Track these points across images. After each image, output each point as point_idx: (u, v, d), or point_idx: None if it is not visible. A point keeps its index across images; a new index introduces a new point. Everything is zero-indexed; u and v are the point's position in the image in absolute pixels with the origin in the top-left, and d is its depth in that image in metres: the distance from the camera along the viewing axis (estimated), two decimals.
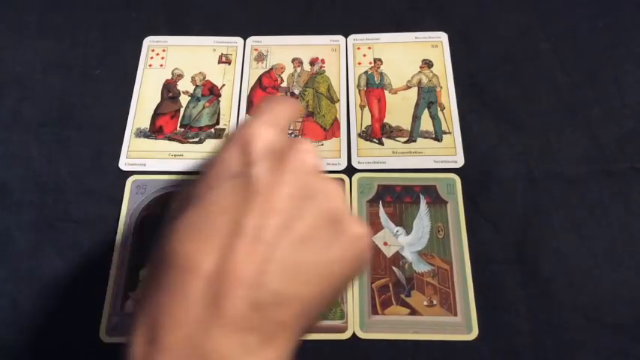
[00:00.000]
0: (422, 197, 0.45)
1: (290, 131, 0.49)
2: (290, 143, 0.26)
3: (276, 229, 0.23)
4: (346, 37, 0.54)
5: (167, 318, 0.22)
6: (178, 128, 0.49)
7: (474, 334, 0.40)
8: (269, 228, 0.23)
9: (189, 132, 0.49)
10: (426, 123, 0.49)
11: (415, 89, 0.51)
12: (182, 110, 0.50)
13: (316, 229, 0.24)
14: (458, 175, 0.46)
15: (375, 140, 0.48)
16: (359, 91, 0.51)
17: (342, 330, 0.40)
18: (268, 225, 0.23)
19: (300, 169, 0.25)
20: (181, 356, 0.21)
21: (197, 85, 0.51)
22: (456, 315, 0.40)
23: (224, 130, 0.49)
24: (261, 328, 0.22)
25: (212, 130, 0.49)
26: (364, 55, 0.53)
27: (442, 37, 0.53)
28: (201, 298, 0.21)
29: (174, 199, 0.27)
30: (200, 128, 0.49)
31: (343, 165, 0.47)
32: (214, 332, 0.21)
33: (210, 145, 0.48)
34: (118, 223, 0.44)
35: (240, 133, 0.26)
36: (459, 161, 0.47)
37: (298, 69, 0.52)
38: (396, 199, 0.45)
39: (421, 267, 0.42)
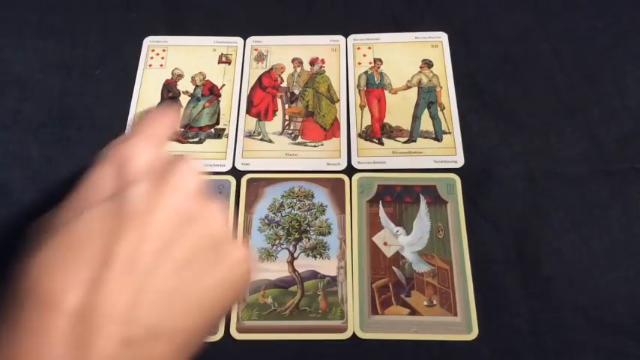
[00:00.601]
0: (422, 197, 0.45)
1: (290, 131, 0.49)
2: (170, 162, 0.24)
3: (152, 256, 0.21)
4: (346, 37, 0.54)
5: None
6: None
7: (473, 334, 0.40)
8: (144, 256, 0.21)
9: (190, 132, 0.49)
10: (426, 123, 0.49)
11: (415, 89, 0.51)
12: (182, 110, 0.50)
13: (195, 254, 0.23)
14: (458, 175, 0.46)
15: (375, 140, 0.48)
16: (359, 91, 0.51)
17: (342, 330, 0.40)
18: (143, 252, 0.21)
19: (180, 191, 0.23)
20: None
21: (197, 85, 0.51)
22: (456, 315, 0.40)
23: (224, 129, 0.49)
24: None
25: (212, 130, 0.49)
26: (364, 55, 0.53)
27: (442, 37, 0.53)
28: (66, 338, 0.19)
29: (37, 226, 0.24)
30: (200, 128, 0.49)
31: (343, 165, 0.47)
32: None
33: (210, 145, 0.48)
34: None
35: (114, 152, 0.24)
36: (458, 161, 0.47)
37: (298, 69, 0.52)
38: (396, 199, 0.45)
39: (421, 267, 0.42)
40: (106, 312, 0.20)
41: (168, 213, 0.22)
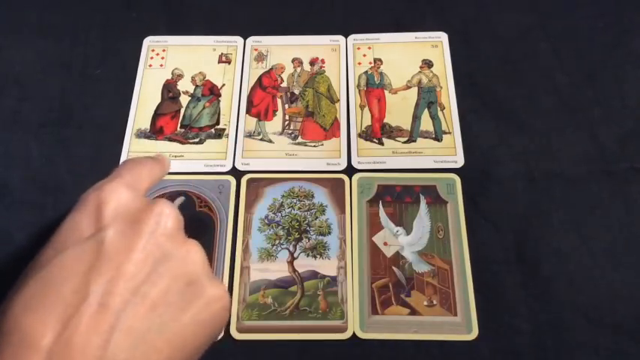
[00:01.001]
0: (422, 197, 0.45)
1: (290, 131, 0.49)
2: (146, 205, 0.25)
3: (126, 295, 0.22)
4: (346, 37, 0.54)
5: None
6: (179, 129, 0.49)
7: (474, 334, 0.40)
8: (118, 294, 0.22)
9: (190, 132, 0.49)
10: (426, 123, 0.49)
11: (415, 89, 0.51)
12: (182, 110, 0.50)
13: (170, 293, 0.23)
14: (458, 175, 0.46)
15: (375, 140, 0.48)
16: (359, 91, 0.51)
17: (342, 330, 0.40)
18: (117, 291, 0.22)
19: (155, 233, 0.24)
20: None
21: (197, 85, 0.51)
22: (456, 315, 0.40)
23: (224, 130, 0.49)
24: None
25: (212, 130, 0.49)
26: (364, 55, 0.53)
27: (442, 37, 0.53)
28: None
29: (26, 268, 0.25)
30: (200, 128, 0.49)
31: (343, 165, 0.47)
32: None
33: (210, 145, 0.48)
34: None
35: (93, 194, 0.25)
36: (458, 161, 0.47)
37: (298, 69, 0.52)
38: (396, 199, 0.45)
39: (421, 267, 0.42)
40: (79, 349, 0.20)
41: (142, 254, 0.23)
